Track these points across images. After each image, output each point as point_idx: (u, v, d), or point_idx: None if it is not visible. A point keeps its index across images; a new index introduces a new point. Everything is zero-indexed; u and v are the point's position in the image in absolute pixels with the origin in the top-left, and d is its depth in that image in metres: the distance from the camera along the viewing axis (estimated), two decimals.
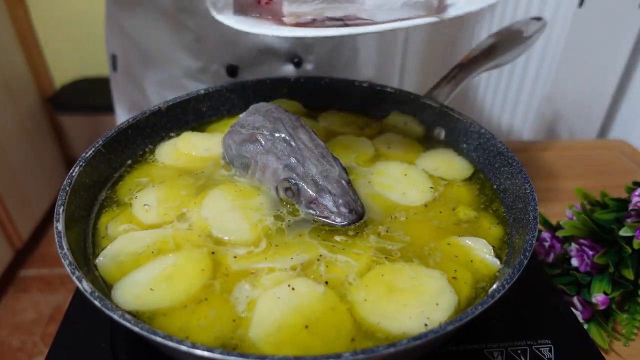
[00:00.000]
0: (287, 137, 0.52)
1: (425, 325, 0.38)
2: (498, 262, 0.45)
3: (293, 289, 0.41)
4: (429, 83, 0.69)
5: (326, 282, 0.42)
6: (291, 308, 0.39)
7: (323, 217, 0.48)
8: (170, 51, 0.80)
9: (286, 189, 0.50)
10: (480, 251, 0.46)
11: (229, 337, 0.38)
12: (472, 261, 0.45)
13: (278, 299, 0.40)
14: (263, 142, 0.52)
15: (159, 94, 0.85)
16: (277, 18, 0.52)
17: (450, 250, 0.46)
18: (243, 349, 0.37)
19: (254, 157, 0.53)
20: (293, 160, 0.50)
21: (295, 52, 0.81)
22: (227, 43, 0.78)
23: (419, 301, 0.40)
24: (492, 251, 0.46)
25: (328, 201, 0.48)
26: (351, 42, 0.91)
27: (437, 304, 0.40)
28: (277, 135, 0.52)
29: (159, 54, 0.80)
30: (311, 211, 0.49)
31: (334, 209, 0.48)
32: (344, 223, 0.48)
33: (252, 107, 0.57)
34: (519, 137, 1.43)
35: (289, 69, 0.82)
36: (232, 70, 0.79)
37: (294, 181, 0.49)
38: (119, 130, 0.56)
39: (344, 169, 0.51)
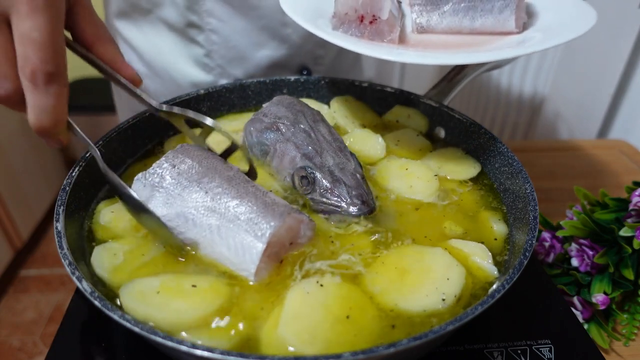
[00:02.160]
0: (308, 129, 0.53)
1: (443, 300, 0.40)
2: (496, 271, 0.45)
3: (322, 285, 0.41)
4: (429, 83, 0.69)
5: (339, 275, 0.43)
6: (320, 303, 0.39)
7: (336, 208, 0.48)
8: (179, 65, 0.79)
9: (302, 177, 0.50)
10: (480, 254, 0.46)
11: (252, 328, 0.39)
12: (472, 262, 0.45)
13: (307, 294, 0.40)
14: (284, 131, 0.53)
15: None
16: (381, 38, 0.53)
17: (450, 250, 0.46)
18: (268, 344, 0.37)
19: (273, 144, 0.53)
20: (311, 149, 0.51)
21: (304, 65, 0.81)
22: (237, 58, 0.77)
23: (430, 278, 0.42)
24: (491, 258, 0.46)
25: (342, 192, 0.48)
26: None
27: (448, 279, 0.42)
28: (298, 126, 0.53)
29: (166, 66, 0.79)
30: (324, 199, 0.49)
31: (348, 200, 0.48)
32: (358, 214, 0.48)
33: (275, 98, 0.59)
34: (519, 137, 1.44)
35: None
36: None
37: (310, 170, 0.50)
38: (119, 130, 0.56)
39: (360, 163, 0.52)
